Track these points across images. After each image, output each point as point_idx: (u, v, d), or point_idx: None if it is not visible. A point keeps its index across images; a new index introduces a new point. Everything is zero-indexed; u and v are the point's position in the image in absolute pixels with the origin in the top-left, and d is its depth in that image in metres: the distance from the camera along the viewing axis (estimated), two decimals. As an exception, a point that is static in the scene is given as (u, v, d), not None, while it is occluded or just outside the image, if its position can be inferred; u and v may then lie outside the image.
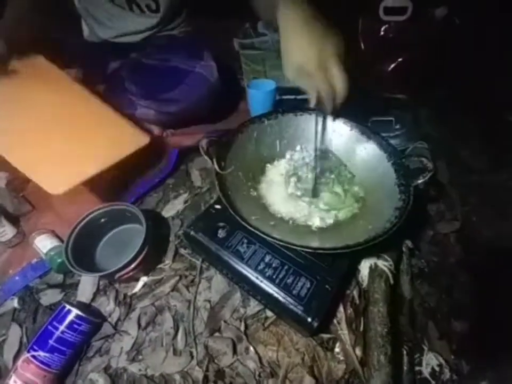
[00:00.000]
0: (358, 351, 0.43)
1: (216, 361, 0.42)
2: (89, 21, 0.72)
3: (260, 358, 0.42)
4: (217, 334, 0.44)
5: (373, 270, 0.49)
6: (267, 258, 0.44)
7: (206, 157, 0.44)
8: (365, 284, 0.49)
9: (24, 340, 0.43)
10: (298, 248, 0.35)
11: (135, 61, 0.68)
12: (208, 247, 0.46)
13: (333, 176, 0.48)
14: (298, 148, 0.54)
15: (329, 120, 0.53)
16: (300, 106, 0.82)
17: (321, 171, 0.49)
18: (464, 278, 0.56)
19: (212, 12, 1.11)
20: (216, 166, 0.44)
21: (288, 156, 0.53)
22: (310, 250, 0.35)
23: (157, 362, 0.42)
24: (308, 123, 0.54)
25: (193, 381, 0.40)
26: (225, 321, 0.45)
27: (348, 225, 0.43)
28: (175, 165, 0.64)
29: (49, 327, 0.39)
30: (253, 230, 0.37)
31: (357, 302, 0.48)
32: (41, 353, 0.37)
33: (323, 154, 0.52)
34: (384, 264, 0.49)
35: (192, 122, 0.73)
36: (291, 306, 0.40)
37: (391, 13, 0.79)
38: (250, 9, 0.59)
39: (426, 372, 0.46)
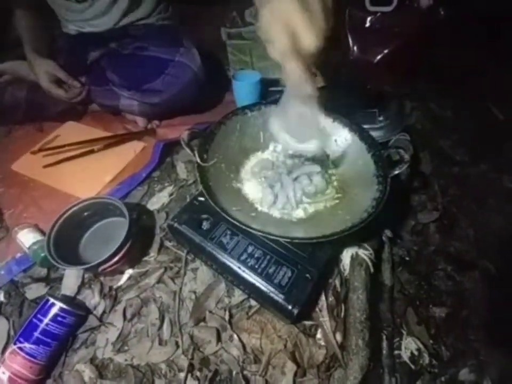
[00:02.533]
0: (338, 337, 0.45)
1: (201, 349, 0.43)
2: (59, 14, 0.70)
3: (243, 346, 0.43)
4: (202, 323, 0.45)
5: (354, 259, 0.50)
6: (249, 249, 0.45)
7: (187, 150, 0.44)
8: (346, 272, 0.51)
9: (12, 332, 0.43)
10: (276, 238, 0.36)
11: (114, 51, 0.67)
12: (192, 239, 0.47)
13: (318, 169, 0.48)
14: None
15: (311, 113, 0.53)
16: None
17: (303, 161, 0.50)
18: (443, 266, 0.58)
19: (197, -1, 1.09)
20: (197, 159, 0.44)
21: (271, 147, 0.54)
22: (287, 240, 0.36)
23: (143, 352, 0.43)
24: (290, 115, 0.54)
25: (179, 369, 0.42)
26: (210, 311, 0.46)
27: (327, 216, 0.44)
28: (160, 158, 0.64)
29: (34, 320, 0.40)
30: (232, 221, 0.37)
31: (338, 289, 0.49)
32: (27, 345, 0.37)
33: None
34: (364, 253, 0.50)
35: (177, 113, 0.73)
36: (272, 295, 0.41)
37: (377, 4, 0.79)
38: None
39: (405, 356, 0.48)
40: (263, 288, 0.42)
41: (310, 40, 0.28)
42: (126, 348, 0.43)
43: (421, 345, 0.48)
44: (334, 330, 0.45)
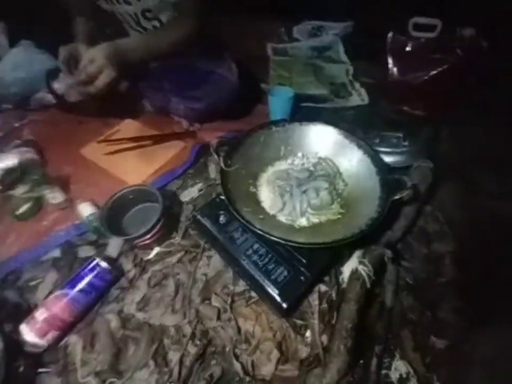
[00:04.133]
0: (324, 339, 0.49)
1: (203, 323, 0.51)
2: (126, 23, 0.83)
3: (238, 328, 0.50)
4: (207, 302, 0.53)
5: (353, 273, 0.54)
6: (255, 246, 0.52)
7: (215, 155, 0.52)
8: (344, 284, 0.54)
9: (58, 283, 0.55)
10: (272, 238, 0.42)
11: (167, 62, 0.79)
12: (210, 230, 0.55)
13: (326, 185, 0.53)
14: (300, 154, 0.60)
15: (334, 131, 0.58)
16: (318, 113, 0.88)
17: (316, 177, 0.55)
18: (452, 299, 0.57)
19: (246, 12, 1.18)
20: (222, 164, 0.52)
21: (289, 160, 0.60)
22: (281, 241, 0.42)
23: (158, 314, 0.52)
24: (311, 133, 0.60)
25: (183, 334, 0.50)
26: (215, 293, 0.54)
27: (326, 228, 0.49)
28: (196, 158, 0.74)
29: (81, 273, 0.51)
30: (240, 219, 0.45)
31: (334, 298, 0.53)
32: (72, 292, 0.48)
33: (322, 161, 0.58)
34: (363, 269, 0.53)
35: (215, 119, 0.82)
36: (268, 288, 0.47)
37: (420, 29, 0.80)
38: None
39: (393, 376, 0.49)
40: (261, 281, 0.48)
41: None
42: (146, 308, 0.53)
43: (411, 370, 0.49)
44: (321, 333, 0.49)
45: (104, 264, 0.52)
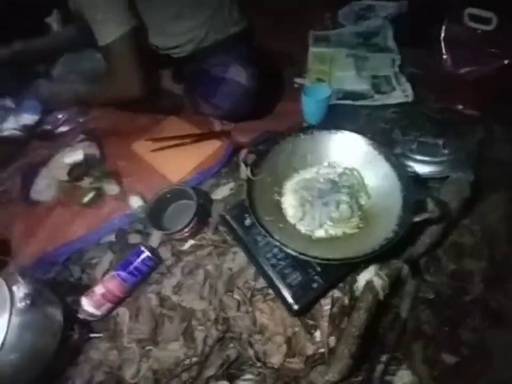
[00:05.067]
0: (332, 341, 0.53)
1: (225, 311, 0.59)
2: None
3: (255, 320, 0.57)
4: (230, 293, 0.60)
5: (368, 283, 0.56)
6: (274, 250, 0.56)
7: (243, 165, 0.57)
8: (357, 293, 0.57)
9: (114, 263, 0.67)
10: (286, 250, 0.46)
11: (196, 65, 0.83)
12: (236, 230, 0.61)
13: (347, 199, 0.54)
14: (326, 163, 0.61)
15: (362, 141, 0.58)
16: (356, 111, 0.85)
17: (340, 188, 0.57)
18: (475, 319, 0.56)
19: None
20: (249, 173, 0.56)
21: (315, 169, 0.61)
22: (293, 253, 0.46)
23: (189, 299, 0.61)
24: (339, 142, 0.60)
25: (208, 319, 0.58)
26: (237, 287, 0.61)
27: (342, 241, 0.51)
28: (229, 158, 0.79)
29: (130, 258, 0.62)
30: (260, 227, 0.49)
31: (346, 305, 0.56)
32: (123, 273, 0.60)
33: (348, 171, 0.59)
34: (378, 281, 0.54)
35: (244, 120, 0.86)
36: (282, 290, 0.52)
37: (476, 21, 0.70)
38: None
39: None
40: (277, 282, 0.54)
41: None
42: (179, 292, 0.62)
43: (417, 381, 0.51)
44: (329, 334, 0.53)
45: (147, 252, 0.62)
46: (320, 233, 0.53)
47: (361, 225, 0.53)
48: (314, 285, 0.52)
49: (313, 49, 1.03)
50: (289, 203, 0.58)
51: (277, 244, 0.47)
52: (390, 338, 0.55)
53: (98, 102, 0.88)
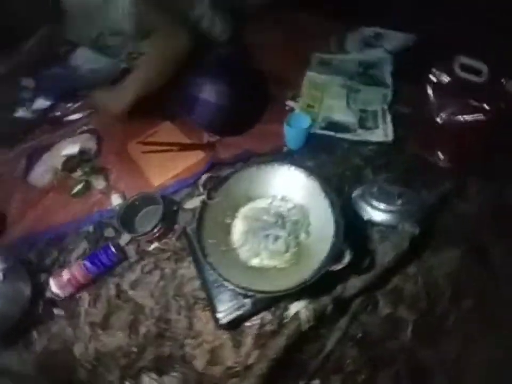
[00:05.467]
0: (252, 359, 0.59)
1: (168, 312, 0.66)
2: None
3: (191, 325, 0.64)
4: (177, 297, 0.68)
5: (296, 313, 0.60)
6: (216, 269, 0.63)
7: (201, 189, 0.63)
8: (286, 320, 0.62)
9: (87, 252, 0.76)
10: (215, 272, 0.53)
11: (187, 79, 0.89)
12: (192, 243, 0.68)
13: (285, 235, 0.60)
14: (280, 196, 0.66)
15: (315, 184, 0.62)
16: (336, 143, 0.89)
17: (285, 222, 0.62)
18: (398, 369, 0.59)
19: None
20: (205, 196, 0.63)
21: (269, 200, 0.67)
22: (220, 278, 0.52)
23: (142, 295, 0.69)
24: (295, 179, 0.65)
25: (153, 316, 0.66)
26: (184, 293, 0.68)
27: (270, 274, 0.57)
28: (207, 171, 0.86)
29: (98, 252, 0.71)
30: (197, 247, 0.56)
31: (273, 328, 0.62)
32: (88, 264, 0.68)
33: (297, 208, 0.64)
34: (305, 313, 0.59)
35: (227, 134, 0.92)
36: (215, 304, 0.59)
37: (467, 71, 0.71)
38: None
39: None
40: (212, 296, 0.60)
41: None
42: (136, 288, 0.71)
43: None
44: (249, 353, 0.60)
45: (113, 249, 0.71)
46: (255, 261, 0.59)
47: (292, 261, 0.58)
48: (243, 308, 0.58)
49: (309, 73, 1.06)
50: (238, 228, 0.64)
51: (207, 266, 0.54)
52: (312, 366, 0.61)
53: (157, 81, 0.86)
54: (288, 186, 0.66)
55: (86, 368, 0.62)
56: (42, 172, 0.91)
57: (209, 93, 0.82)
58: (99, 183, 0.87)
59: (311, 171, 0.65)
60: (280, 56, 1.15)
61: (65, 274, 0.67)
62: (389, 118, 0.92)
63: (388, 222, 0.67)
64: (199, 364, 0.60)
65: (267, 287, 0.51)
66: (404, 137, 0.88)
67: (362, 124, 0.93)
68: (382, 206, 0.69)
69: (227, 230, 0.64)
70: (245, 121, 0.94)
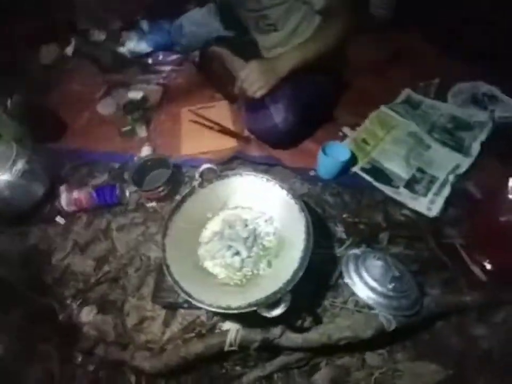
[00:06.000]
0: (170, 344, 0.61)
1: (130, 258, 0.72)
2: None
3: (140, 285, 0.69)
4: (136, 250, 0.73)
5: (226, 330, 0.59)
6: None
7: (197, 175, 0.64)
8: (216, 330, 0.61)
9: (104, 183, 0.87)
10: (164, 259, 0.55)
11: None
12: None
13: (247, 255, 0.58)
14: (268, 216, 0.64)
15: (303, 222, 0.57)
16: (370, 192, 0.79)
17: (257, 243, 0.60)
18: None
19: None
20: (196, 183, 0.64)
21: (255, 215, 0.64)
22: (163, 267, 0.54)
23: (120, 238, 0.76)
24: (292, 209, 0.61)
25: (120, 256, 0.73)
26: (148, 255, 0.73)
27: (216, 284, 0.56)
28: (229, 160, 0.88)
29: (106, 187, 0.81)
30: (164, 223, 0.58)
31: (201, 331, 0.62)
32: (94, 194, 0.78)
33: (276, 233, 0.61)
34: (234, 335, 0.57)
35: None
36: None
37: None
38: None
39: None
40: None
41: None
42: (120, 231, 0.78)
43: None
44: (170, 338, 0.62)
45: (118, 191, 0.79)
46: (208, 263, 0.59)
47: (239, 282, 0.56)
48: (180, 297, 0.59)
49: (383, 108, 0.94)
50: (213, 226, 0.64)
51: (160, 246, 0.56)
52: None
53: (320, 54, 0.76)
54: (280, 212, 0.62)
55: (53, 275, 0.72)
56: (109, 104, 1.05)
57: (277, 111, 0.80)
58: (141, 132, 0.97)
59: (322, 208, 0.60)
60: (369, 77, 1.06)
61: (75, 194, 0.78)
62: (446, 191, 0.77)
63: (364, 298, 0.58)
64: (129, 322, 0.64)
65: (204, 296, 0.50)
66: (450, 221, 0.73)
67: (410, 184, 0.80)
68: (370, 280, 0.60)
69: (203, 222, 0.65)
70: (298, 140, 0.92)
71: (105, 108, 1.05)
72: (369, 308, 0.59)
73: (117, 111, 1.03)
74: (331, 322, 0.58)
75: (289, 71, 0.74)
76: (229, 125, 0.98)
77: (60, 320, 0.67)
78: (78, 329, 0.65)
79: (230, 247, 0.59)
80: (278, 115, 0.79)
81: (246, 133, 0.94)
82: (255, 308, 0.48)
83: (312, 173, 0.86)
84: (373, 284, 0.59)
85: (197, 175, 0.65)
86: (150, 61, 1.29)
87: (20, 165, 0.72)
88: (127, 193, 0.83)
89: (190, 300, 0.49)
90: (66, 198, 0.78)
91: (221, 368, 0.61)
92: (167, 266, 0.54)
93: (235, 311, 0.48)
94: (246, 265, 0.58)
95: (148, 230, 0.78)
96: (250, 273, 0.57)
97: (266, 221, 0.63)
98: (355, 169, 0.84)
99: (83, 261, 0.75)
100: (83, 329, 0.65)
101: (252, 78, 0.72)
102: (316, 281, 0.62)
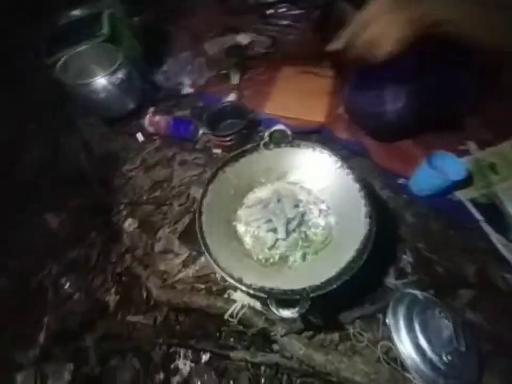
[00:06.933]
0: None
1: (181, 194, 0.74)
2: None
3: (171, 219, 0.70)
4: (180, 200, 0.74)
5: (234, 300, 0.55)
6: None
7: (266, 134, 0.57)
8: (225, 294, 0.58)
9: (187, 116, 0.89)
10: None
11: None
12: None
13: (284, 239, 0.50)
14: (325, 206, 0.53)
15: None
16: (469, 231, 0.60)
17: (297, 230, 0.51)
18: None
19: None
20: (262, 143, 0.57)
21: (311, 198, 0.55)
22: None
23: (177, 175, 0.78)
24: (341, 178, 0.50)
25: (170, 188, 0.76)
26: (187, 200, 0.73)
27: (244, 253, 0.51)
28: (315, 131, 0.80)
29: (184, 120, 0.82)
30: (206, 185, 0.54)
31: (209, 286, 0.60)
32: (172, 122, 0.81)
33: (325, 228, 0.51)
34: (238, 308, 0.52)
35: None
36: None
37: None
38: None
39: None
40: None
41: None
42: (182, 167, 0.80)
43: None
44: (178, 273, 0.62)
45: (191, 127, 0.80)
46: (240, 228, 0.53)
47: (261, 263, 0.49)
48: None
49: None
50: (263, 191, 0.58)
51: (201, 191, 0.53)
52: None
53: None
54: (342, 209, 0.52)
55: (119, 181, 0.80)
56: (216, 44, 1.04)
57: (394, 101, 0.63)
58: (235, 78, 0.94)
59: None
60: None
61: (156, 118, 0.83)
62: None
63: (403, 354, 0.45)
64: (157, 247, 0.67)
65: (221, 256, 0.46)
66: None
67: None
68: (421, 338, 0.45)
69: (254, 185, 0.59)
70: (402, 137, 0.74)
71: (211, 47, 1.04)
72: (403, 367, 0.45)
73: (218, 52, 1.01)
74: (347, 355, 0.47)
75: (443, 22, 0.43)
76: (324, 97, 0.86)
77: (111, 219, 0.74)
78: (120, 234, 0.72)
79: (269, 220, 0.52)
80: (392, 102, 0.63)
81: (341, 110, 0.81)
82: (265, 296, 0.41)
83: (400, 181, 0.69)
84: (424, 345, 0.45)
85: (266, 134, 0.58)
86: (271, 11, 1.22)
87: (121, 74, 0.77)
88: (200, 133, 0.83)
89: (205, 252, 0.45)
90: (149, 119, 0.83)
91: (217, 331, 0.58)
92: (200, 213, 0.51)
93: (243, 287, 0.42)
94: (278, 247, 0.50)
95: (204, 174, 0.77)
96: (278, 257, 0.50)
97: (321, 210, 0.53)
98: (461, 196, 0.64)
99: (143, 179, 0.80)
100: (123, 236, 0.71)
101: (380, 26, 0.44)
102: (348, 298, 0.51)
